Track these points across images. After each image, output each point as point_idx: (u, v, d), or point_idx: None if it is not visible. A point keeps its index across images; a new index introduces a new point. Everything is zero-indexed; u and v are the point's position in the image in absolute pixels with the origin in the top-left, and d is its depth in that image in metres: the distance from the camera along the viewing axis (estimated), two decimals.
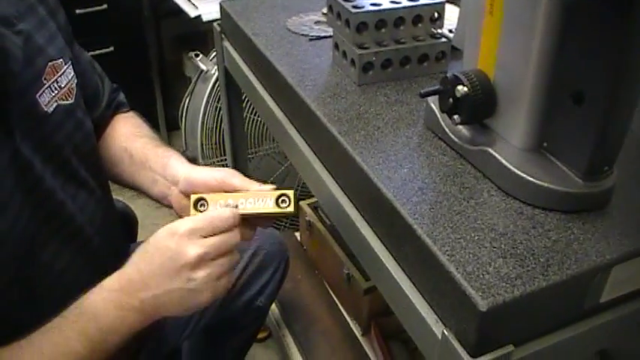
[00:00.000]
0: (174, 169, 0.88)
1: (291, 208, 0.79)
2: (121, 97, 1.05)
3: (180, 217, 0.87)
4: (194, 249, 0.72)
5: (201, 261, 0.73)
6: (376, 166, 0.75)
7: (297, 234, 1.85)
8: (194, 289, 0.73)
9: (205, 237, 0.74)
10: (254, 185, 0.82)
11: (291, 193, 0.79)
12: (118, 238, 1.01)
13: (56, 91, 0.83)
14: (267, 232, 1.27)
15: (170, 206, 0.90)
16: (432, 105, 0.81)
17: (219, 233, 0.75)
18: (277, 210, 0.79)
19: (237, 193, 0.80)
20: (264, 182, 0.83)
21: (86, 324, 0.72)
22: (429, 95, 0.76)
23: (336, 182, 0.85)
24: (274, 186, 0.81)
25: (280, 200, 0.79)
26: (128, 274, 0.74)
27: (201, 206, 0.79)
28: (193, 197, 0.81)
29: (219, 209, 0.77)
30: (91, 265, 0.87)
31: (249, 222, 0.81)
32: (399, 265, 0.70)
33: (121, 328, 0.73)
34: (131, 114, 1.05)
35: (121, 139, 0.97)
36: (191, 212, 0.80)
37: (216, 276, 0.74)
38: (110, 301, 0.73)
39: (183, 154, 2.35)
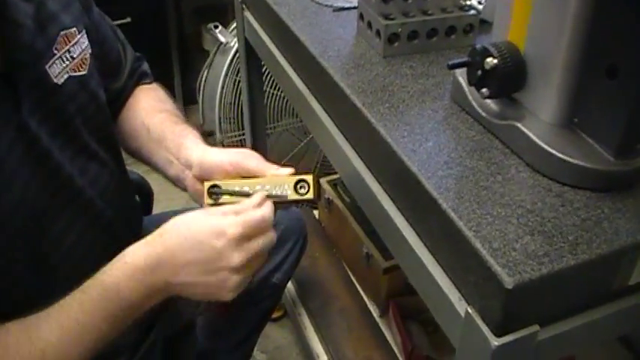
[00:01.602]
0: (189, 151, 0.88)
1: (310, 195, 0.78)
2: (145, 67, 1.05)
3: (195, 202, 0.88)
4: (240, 256, 0.73)
5: (241, 268, 0.74)
6: (401, 139, 0.74)
7: (316, 212, 1.85)
8: (222, 288, 0.74)
9: (251, 239, 0.74)
10: (272, 168, 0.81)
11: (310, 178, 0.78)
12: (132, 211, 1.02)
13: (67, 62, 0.83)
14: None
15: (185, 189, 0.90)
16: (460, 78, 0.80)
17: (260, 234, 0.75)
18: (295, 197, 0.78)
19: (252, 178, 0.80)
20: (282, 163, 0.82)
21: (109, 301, 0.73)
22: (456, 67, 0.76)
23: (359, 156, 0.85)
24: (292, 169, 0.80)
25: (299, 186, 0.78)
26: (158, 255, 0.74)
27: (214, 194, 0.79)
28: (207, 185, 0.81)
29: (262, 209, 0.77)
30: (103, 238, 0.87)
31: None
32: (422, 241, 0.70)
33: (143, 305, 0.74)
34: (154, 86, 1.05)
35: (142, 112, 0.97)
36: (205, 200, 0.80)
37: (249, 278, 0.76)
38: (135, 279, 0.73)
39: (200, 128, 2.36)
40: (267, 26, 1.19)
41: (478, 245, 0.60)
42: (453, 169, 0.70)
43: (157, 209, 1.23)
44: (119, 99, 0.99)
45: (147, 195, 1.22)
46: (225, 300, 0.75)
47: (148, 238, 0.75)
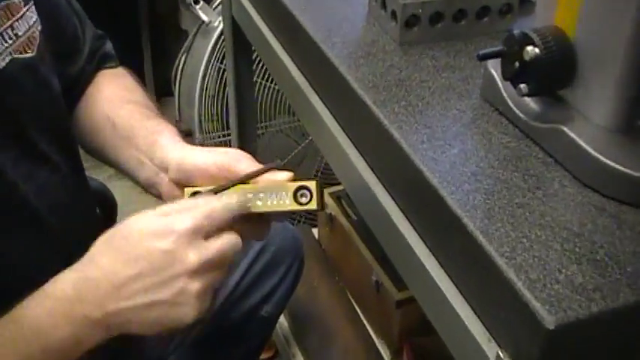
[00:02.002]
0: (165, 150, 0.86)
1: (313, 205, 0.78)
2: (108, 47, 1.04)
3: None
4: (198, 255, 0.71)
5: (202, 271, 0.71)
6: (419, 145, 0.74)
7: (315, 230, 1.85)
8: (181, 305, 0.71)
9: (207, 238, 0.73)
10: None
11: (313, 184, 0.78)
12: (91, 226, 1.01)
13: (11, 41, 0.81)
14: (278, 225, 1.27)
15: (160, 197, 0.89)
16: (492, 71, 0.80)
17: (221, 231, 0.73)
18: (295, 207, 0.78)
19: (243, 184, 0.79)
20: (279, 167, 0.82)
21: (26, 344, 0.69)
22: (488, 58, 0.75)
23: (368, 164, 0.85)
24: (291, 174, 0.80)
25: (299, 194, 0.78)
26: (87, 278, 0.71)
27: None
28: (188, 191, 0.80)
29: (224, 199, 0.75)
30: (55, 259, 0.86)
31: (261, 217, 0.81)
32: (444, 268, 0.70)
33: (74, 348, 0.71)
34: (120, 71, 1.04)
35: (105, 103, 0.96)
36: None
37: (211, 289, 0.73)
38: (59, 313, 0.70)
39: (177, 126, 2.36)
40: (258, 3, 1.19)
41: (512, 275, 0.60)
42: (482, 182, 0.70)
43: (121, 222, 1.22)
44: (76, 87, 0.98)
45: (110, 206, 1.21)
46: (187, 322, 0.72)
47: (77, 263, 0.73)
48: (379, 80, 0.86)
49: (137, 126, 0.90)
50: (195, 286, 0.71)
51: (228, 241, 0.73)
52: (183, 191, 0.81)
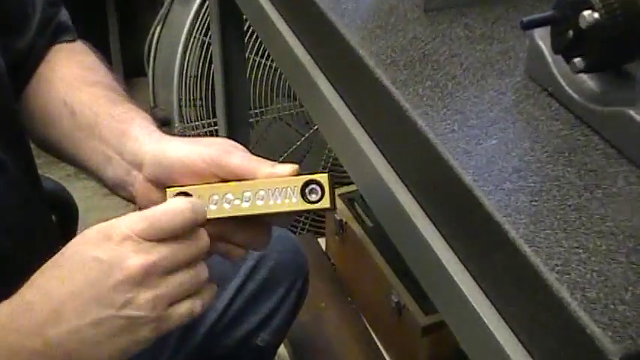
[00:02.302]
0: (137, 142, 0.86)
1: (325, 203, 0.77)
2: (63, 16, 1.04)
3: None
4: (136, 258, 0.71)
5: (146, 276, 0.71)
6: (449, 135, 0.74)
7: (322, 240, 1.86)
8: (132, 319, 0.71)
9: (153, 241, 0.72)
10: (263, 166, 0.80)
11: (324, 178, 0.77)
12: (44, 237, 1.01)
13: None
14: (276, 233, 1.27)
15: (132, 200, 0.89)
16: (540, 42, 0.80)
17: (176, 237, 0.73)
18: (304, 206, 0.77)
19: (239, 182, 0.79)
20: (278, 160, 0.82)
21: None
22: (535, 26, 0.75)
23: (386, 159, 0.84)
24: (295, 167, 0.80)
25: (308, 190, 0.78)
26: (25, 301, 0.72)
27: None
28: (170, 192, 0.80)
29: (172, 200, 0.75)
30: (3, 277, 0.86)
31: (258, 221, 0.81)
32: (481, 286, 0.70)
33: None
34: (79, 46, 1.04)
35: (61, 86, 0.96)
36: None
37: (167, 300, 0.73)
38: None
39: (150, 113, 2.36)
40: None
41: (565, 293, 0.59)
42: (526, 179, 0.69)
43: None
44: (25, 65, 0.98)
45: (68, 212, 1.21)
46: (141, 344, 0.72)
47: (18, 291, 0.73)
48: (399, 56, 0.85)
49: (101, 113, 0.90)
50: (143, 296, 0.71)
51: (184, 242, 0.73)
52: (162, 192, 0.81)
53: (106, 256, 0.71)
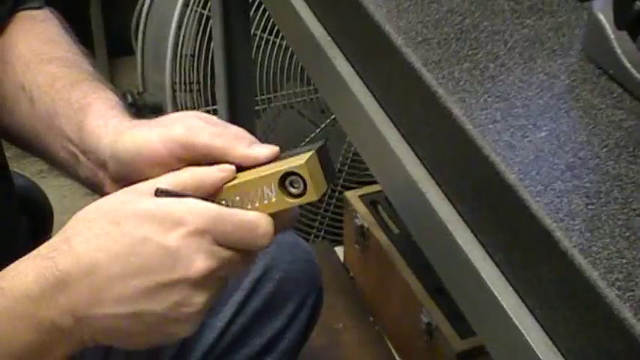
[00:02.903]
0: (94, 136, 0.85)
1: (310, 196, 0.76)
2: None
3: None
4: (206, 261, 0.72)
5: (206, 280, 0.73)
6: (490, 126, 0.74)
7: (340, 249, 1.86)
8: (176, 320, 0.74)
9: (222, 244, 0.74)
10: (238, 146, 0.80)
11: (301, 166, 0.76)
12: (12, 241, 1.01)
13: None
14: (285, 239, 1.27)
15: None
16: (600, 16, 0.79)
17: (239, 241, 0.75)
18: (286, 203, 0.76)
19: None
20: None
21: None
22: None
23: (416, 154, 0.84)
24: (276, 148, 0.78)
25: (288, 182, 0.77)
26: (60, 271, 0.73)
27: None
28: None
29: (257, 215, 0.76)
30: None
31: None
32: (527, 305, 0.69)
33: (43, 357, 0.74)
34: (43, 14, 1.03)
35: (18, 65, 0.96)
36: None
37: (210, 304, 0.75)
38: (20, 316, 0.73)
39: (140, 98, 2.36)
40: None
41: (627, 314, 0.59)
42: (582, 178, 0.69)
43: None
44: None
45: (41, 213, 1.22)
46: (177, 339, 0.76)
47: (45, 244, 0.75)
48: (432, 32, 0.85)
49: (59, 100, 0.89)
50: (198, 299, 0.73)
51: (245, 256, 0.75)
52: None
53: (175, 247, 0.72)
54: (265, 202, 0.76)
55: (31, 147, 0.94)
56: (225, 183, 0.77)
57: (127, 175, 0.82)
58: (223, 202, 0.77)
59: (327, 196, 1.99)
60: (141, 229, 0.72)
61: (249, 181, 0.77)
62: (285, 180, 0.76)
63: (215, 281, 0.74)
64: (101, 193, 0.88)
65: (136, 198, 0.75)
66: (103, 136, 0.84)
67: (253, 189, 0.76)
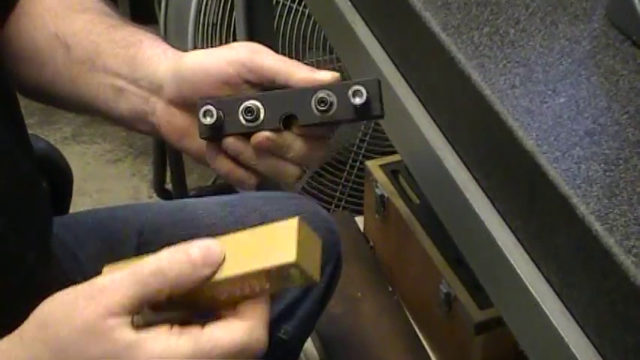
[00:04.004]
0: (152, 64, 0.87)
1: (289, 256, 0.67)
2: None
3: (181, 149, 0.88)
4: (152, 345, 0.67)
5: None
6: (508, 91, 0.74)
7: (360, 219, 1.85)
8: None
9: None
10: (301, 70, 0.80)
11: (293, 254, 0.66)
12: (34, 207, 1.01)
13: None
14: (307, 208, 1.28)
15: (153, 133, 0.89)
16: None
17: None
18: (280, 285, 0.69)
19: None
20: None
21: None
22: None
23: (435, 121, 0.85)
24: (337, 74, 0.79)
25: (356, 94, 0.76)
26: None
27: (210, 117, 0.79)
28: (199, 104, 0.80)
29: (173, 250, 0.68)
30: None
31: (314, 134, 0.80)
32: (543, 273, 0.69)
33: None
34: None
35: (48, 18, 0.96)
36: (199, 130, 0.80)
37: None
38: None
39: None
40: None
41: None
42: (601, 145, 0.69)
43: (79, 202, 1.23)
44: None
45: (62, 178, 1.22)
46: None
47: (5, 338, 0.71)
48: None
49: (102, 42, 0.90)
50: None
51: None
52: (186, 115, 0.83)
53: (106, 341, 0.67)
54: (257, 290, 0.68)
55: (64, 96, 0.94)
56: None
57: (186, 93, 0.83)
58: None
59: (348, 165, 1.99)
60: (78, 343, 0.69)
61: (233, 279, 0.68)
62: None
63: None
64: (146, 125, 0.89)
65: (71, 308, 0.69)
66: (161, 62, 0.86)
67: (240, 284, 0.68)
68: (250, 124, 0.79)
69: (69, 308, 0.69)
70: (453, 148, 0.81)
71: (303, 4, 1.86)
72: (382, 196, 1.69)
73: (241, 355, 0.68)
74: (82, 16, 0.94)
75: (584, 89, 0.74)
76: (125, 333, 0.67)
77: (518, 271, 0.71)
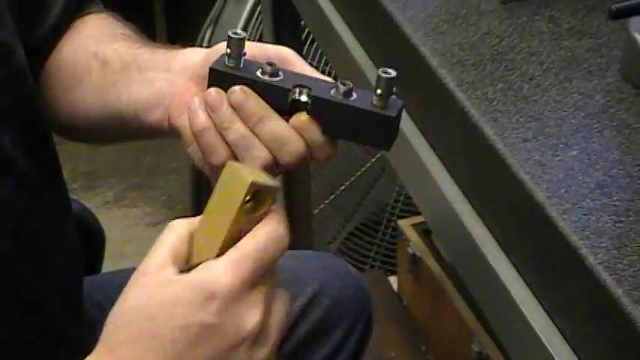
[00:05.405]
0: (187, 55, 0.88)
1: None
2: None
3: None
4: (254, 314, 0.70)
5: (263, 330, 0.71)
6: (520, 145, 0.74)
7: (394, 279, 1.85)
8: None
9: (257, 283, 0.71)
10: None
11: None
12: (68, 264, 1.01)
13: None
14: (337, 267, 1.27)
15: (159, 126, 0.88)
16: (638, 37, 0.78)
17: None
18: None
19: None
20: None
21: None
22: (628, 14, 0.75)
23: (453, 177, 0.85)
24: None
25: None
26: None
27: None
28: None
29: (265, 228, 0.73)
30: (15, 311, 0.87)
31: None
32: (555, 323, 0.69)
33: None
34: (108, 16, 1.04)
35: (90, 42, 0.96)
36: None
37: (275, 347, 0.72)
38: None
39: None
40: None
41: None
42: (612, 196, 0.69)
43: (120, 267, 1.23)
44: (46, 47, 0.99)
45: (95, 239, 1.22)
46: None
47: (88, 357, 0.73)
48: (468, 54, 0.85)
49: (142, 53, 0.92)
50: (262, 353, 0.70)
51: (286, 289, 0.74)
52: (198, 92, 0.80)
53: (217, 322, 0.70)
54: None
55: (92, 113, 0.94)
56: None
57: None
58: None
59: (382, 225, 1.99)
60: (176, 317, 0.70)
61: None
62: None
63: (270, 325, 0.71)
64: (157, 111, 0.87)
65: (159, 285, 0.72)
66: (197, 52, 0.85)
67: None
68: (262, 77, 0.75)
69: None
70: (470, 202, 0.81)
71: (330, 65, 1.86)
72: (414, 255, 1.68)
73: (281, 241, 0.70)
74: (121, 42, 0.94)
75: (597, 142, 0.74)
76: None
77: (532, 324, 0.71)
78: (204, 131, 0.77)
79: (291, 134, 0.75)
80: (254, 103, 0.76)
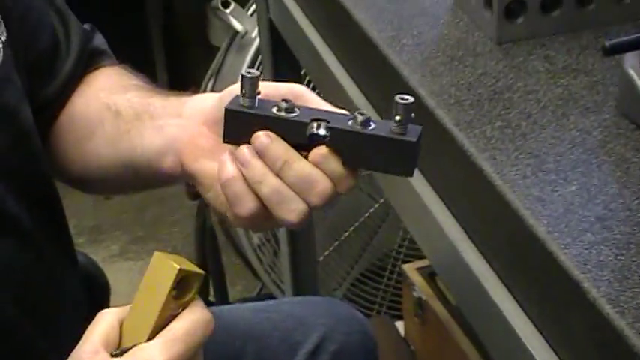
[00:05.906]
0: (198, 99, 0.87)
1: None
2: (98, 40, 1.04)
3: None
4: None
5: None
6: (519, 181, 0.74)
7: (400, 323, 1.84)
8: None
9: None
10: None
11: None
12: (74, 322, 1.01)
13: None
14: (343, 312, 1.27)
15: (171, 172, 0.88)
16: (632, 72, 0.79)
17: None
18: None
19: None
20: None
21: None
22: (622, 51, 0.75)
23: (455, 217, 0.85)
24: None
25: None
26: None
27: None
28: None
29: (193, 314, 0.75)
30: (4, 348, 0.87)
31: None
32: (560, 358, 0.69)
33: None
34: (118, 69, 1.04)
35: (102, 94, 0.96)
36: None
37: None
38: None
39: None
40: (304, 1, 1.21)
41: None
42: (612, 230, 0.68)
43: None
44: (57, 102, 0.99)
45: (100, 291, 1.22)
46: None
47: None
48: (465, 94, 0.86)
49: (153, 102, 0.92)
50: None
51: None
52: (212, 137, 0.81)
53: None
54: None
55: (105, 165, 0.94)
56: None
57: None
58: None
59: (387, 271, 1.99)
60: None
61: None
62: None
63: None
64: (168, 157, 0.87)
65: None
66: (211, 96, 0.85)
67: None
68: (279, 114, 0.74)
69: None
70: (472, 240, 0.81)
71: None
72: (420, 298, 1.68)
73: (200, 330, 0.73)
74: (132, 92, 0.94)
75: (595, 177, 0.74)
76: None
77: (534, 355, 0.71)
78: (231, 181, 0.76)
79: (317, 174, 0.73)
80: (278, 146, 0.74)
